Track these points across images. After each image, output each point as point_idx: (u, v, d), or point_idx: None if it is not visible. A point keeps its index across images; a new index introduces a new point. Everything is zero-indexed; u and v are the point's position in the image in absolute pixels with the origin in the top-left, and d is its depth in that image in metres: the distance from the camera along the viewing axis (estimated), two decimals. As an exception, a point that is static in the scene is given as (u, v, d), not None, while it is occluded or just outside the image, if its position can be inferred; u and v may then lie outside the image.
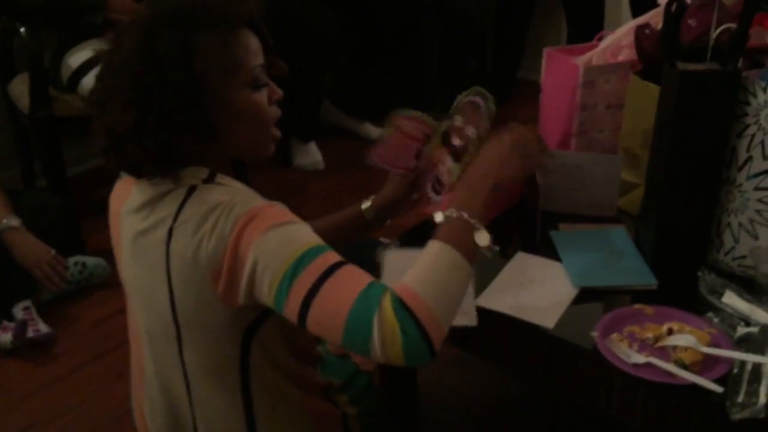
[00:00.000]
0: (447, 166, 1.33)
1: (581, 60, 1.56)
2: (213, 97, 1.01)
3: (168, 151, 1.01)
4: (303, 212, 1.11)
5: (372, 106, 3.14)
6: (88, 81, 2.17)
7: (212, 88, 1.01)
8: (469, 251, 1.03)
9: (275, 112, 1.10)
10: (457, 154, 1.35)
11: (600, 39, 1.63)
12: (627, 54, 1.54)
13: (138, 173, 1.04)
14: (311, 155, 2.86)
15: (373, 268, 1.36)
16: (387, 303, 0.94)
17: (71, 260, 2.13)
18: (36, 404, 1.79)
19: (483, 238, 1.05)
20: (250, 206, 1.00)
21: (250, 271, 0.98)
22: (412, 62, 3.13)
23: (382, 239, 1.68)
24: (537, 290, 1.26)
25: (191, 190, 1.03)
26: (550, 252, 1.37)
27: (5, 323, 1.93)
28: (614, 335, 1.15)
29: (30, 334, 1.92)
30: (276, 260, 0.97)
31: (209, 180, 1.05)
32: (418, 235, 1.47)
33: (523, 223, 1.49)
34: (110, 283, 2.15)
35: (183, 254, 1.01)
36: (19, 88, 2.31)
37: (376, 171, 2.20)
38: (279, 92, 1.09)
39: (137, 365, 1.20)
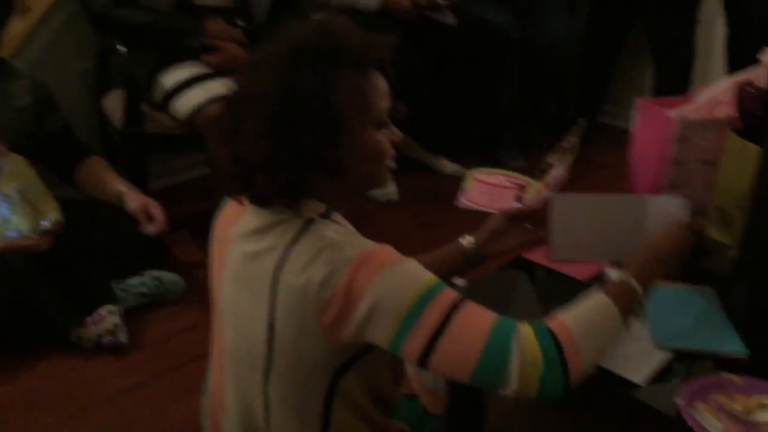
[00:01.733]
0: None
1: (676, 113, 1.52)
2: (347, 136, 1.04)
3: (296, 184, 1.03)
4: (374, 241, 1.12)
5: (450, 142, 3.14)
6: (180, 101, 2.23)
7: (347, 127, 1.03)
8: (627, 315, 1.07)
9: (393, 151, 1.12)
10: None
11: (690, 92, 1.59)
12: (725, 111, 1.49)
13: (262, 203, 1.07)
14: (387, 187, 2.87)
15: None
16: (527, 329, 0.99)
17: (148, 273, 2.18)
18: (105, 415, 1.82)
19: (641, 311, 1.11)
20: (363, 248, 1.03)
21: (366, 311, 0.99)
22: (491, 102, 3.13)
23: (454, 280, 1.67)
24: (628, 345, 1.23)
25: (308, 222, 1.05)
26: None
27: (87, 320, 1.98)
28: (700, 404, 1.10)
29: (105, 339, 1.96)
30: (396, 300, 0.99)
31: (326, 215, 1.07)
32: (498, 277, 1.47)
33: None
34: (182, 298, 2.19)
35: (291, 285, 1.03)
36: (113, 104, 2.40)
37: (449, 206, 2.20)
38: (399, 134, 1.12)
39: (216, 383, 1.21)
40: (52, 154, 2.14)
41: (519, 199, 1.42)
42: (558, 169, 1.41)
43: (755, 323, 1.25)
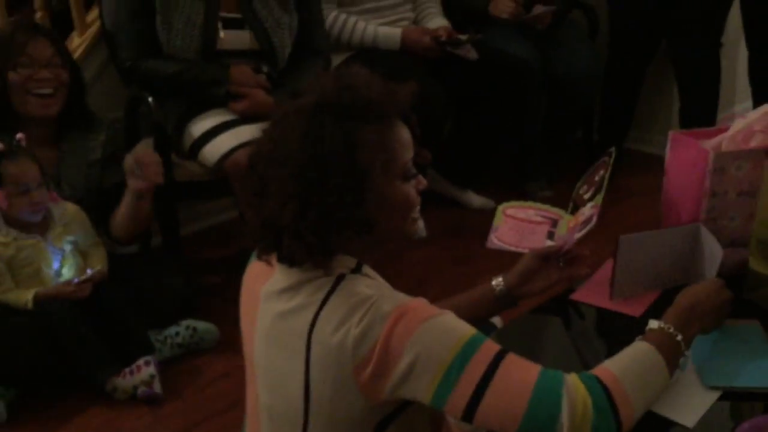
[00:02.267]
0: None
1: (710, 145, 1.51)
2: (373, 191, 1.02)
3: (325, 244, 1.02)
4: (403, 280, 1.11)
5: (476, 175, 3.13)
6: (209, 150, 2.25)
7: (373, 183, 1.02)
8: (671, 365, 1.06)
9: (419, 200, 1.11)
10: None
11: (723, 121, 1.57)
12: (761, 140, 1.47)
13: (291, 263, 1.05)
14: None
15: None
16: (575, 380, 0.97)
17: (183, 323, 2.18)
18: (144, 466, 1.82)
19: (685, 363, 1.12)
20: (399, 302, 1.01)
21: (406, 367, 0.97)
22: (516, 134, 3.12)
23: (494, 320, 1.65)
24: (675, 385, 1.20)
25: (339, 279, 1.04)
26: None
27: (124, 371, 1.98)
28: (756, 447, 1.07)
29: (140, 390, 1.96)
30: (437, 355, 0.97)
31: (356, 270, 1.06)
32: (537, 317, 1.45)
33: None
34: (215, 347, 2.19)
35: (326, 343, 1.01)
36: (143, 153, 2.42)
37: (478, 240, 2.18)
38: (424, 182, 1.11)
39: (252, 440, 1.19)
40: (104, 206, 2.17)
41: (551, 235, 1.40)
42: (590, 208, 1.39)
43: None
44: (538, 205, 1.37)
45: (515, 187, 3.19)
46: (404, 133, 1.07)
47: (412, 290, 1.11)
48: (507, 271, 1.34)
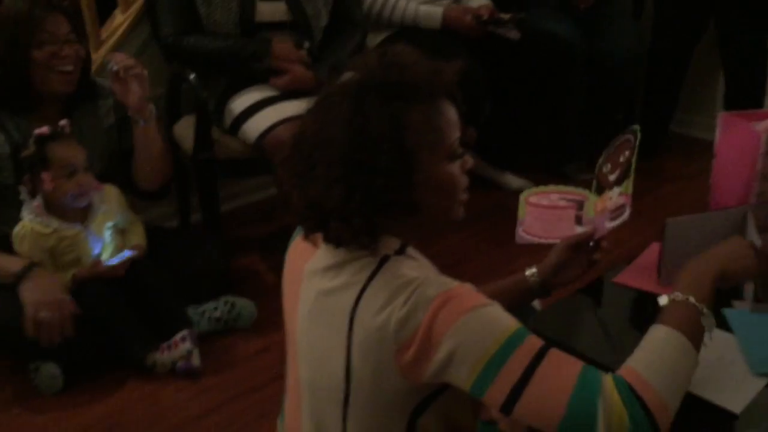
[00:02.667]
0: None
1: (762, 126, 1.47)
2: (420, 173, 1.01)
3: (371, 226, 1.01)
4: (441, 262, 1.10)
5: (515, 156, 3.10)
6: (249, 126, 2.26)
7: (420, 164, 1.01)
8: (696, 336, 1.01)
9: (466, 181, 1.09)
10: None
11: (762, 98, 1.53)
12: (815, 122, 1.44)
13: (337, 244, 1.05)
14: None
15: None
16: (611, 387, 0.93)
17: (222, 299, 2.20)
18: (184, 438, 1.85)
19: (709, 322, 1.03)
20: (445, 287, 0.99)
21: (447, 354, 0.97)
22: (556, 113, 3.08)
23: (535, 304, 1.64)
24: (718, 368, 1.18)
25: (383, 260, 1.03)
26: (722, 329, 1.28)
27: (162, 345, 2.01)
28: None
29: (178, 364, 2.00)
30: (479, 345, 0.96)
31: (401, 251, 1.05)
32: (577, 300, 1.43)
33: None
34: (253, 324, 2.20)
35: (369, 324, 1.01)
36: (184, 130, 2.44)
37: (516, 222, 2.13)
38: (471, 161, 1.09)
39: (293, 413, 1.20)
40: (127, 168, 2.18)
41: (578, 219, 1.36)
42: (618, 195, 1.35)
43: None
44: (560, 187, 1.33)
45: (554, 169, 3.16)
46: (451, 113, 1.06)
47: (449, 272, 1.10)
48: (540, 262, 1.33)
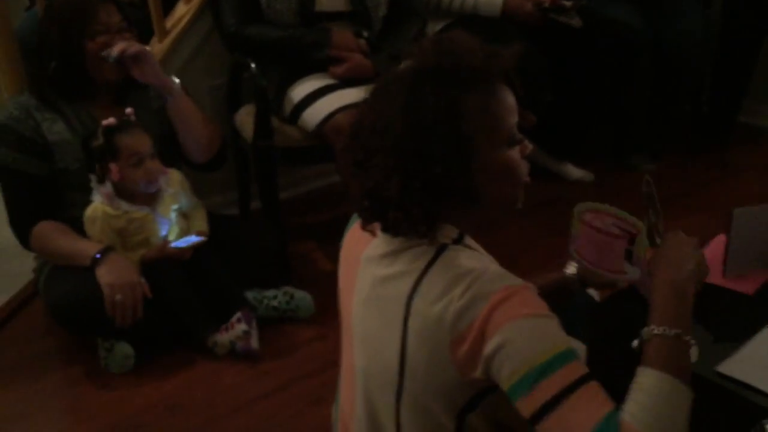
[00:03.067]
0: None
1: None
2: (478, 160, 1.00)
3: (430, 215, 1.01)
4: (498, 253, 1.09)
5: (575, 146, 3.05)
6: (309, 114, 2.28)
7: (478, 151, 1.00)
8: (686, 372, 0.97)
9: (527, 165, 1.08)
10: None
11: None
12: None
13: (396, 233, 1.05)
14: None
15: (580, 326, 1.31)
16: None
17: (282, 289, 2.24)
18: (242, 420, 1.88)
19: (695, 354, 0.99)
20: (505, 283, 0.98)
21: (491, 351, 0.96)
22: (620, 103, 3.01)
23: (591, 291, 1.61)
24: (758, 354, 1.14)
25: (441, 249, 1.03)
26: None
27: (223, 326, 2.05)
28: None
29: (239, 345, 2.03)
30: (524, 353, 0.95)
31: (458, 241, 1.04)
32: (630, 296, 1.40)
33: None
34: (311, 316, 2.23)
35: (425, 313, 1.00)
36: (244, 119, 2.48)
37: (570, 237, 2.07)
38: (530, 146, 1.07)
39: (347, 402, 1.21)
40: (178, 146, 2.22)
41: (629, 254, 1.31)
42: (645, 249, 1.30)
43: None
44: (615, 210, 1.28)
45: (616, 160, 3.09)
46: (508, 98, 1.05)
47: (507, 262, 1.09)
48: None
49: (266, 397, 1.94)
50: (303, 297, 2.23)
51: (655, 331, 1.00)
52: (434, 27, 2.69)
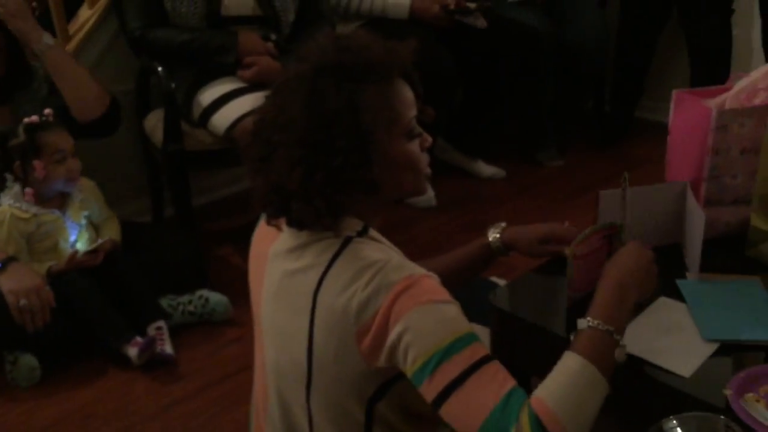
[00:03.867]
0: None
1: (713, 103, 1.51)
2: (378, 152, 1.03)
3: (332, 206, 1.03)
4: (414, 248, 1.13)
5: (486, 143, 3.14)
6: (218, 118, 2.28)
7: (377, 143, 1.03)
8: (609, 367, 1.01)
9: (426, 158, 1.12)
10: None
11: (728, 81, 1.57)
12: (764, 98, 1.47)
13: (301, 226, 1.07)
14: (425, 193, 2.87)
15: (486, 311, 1.36)
16: (525, 420, 0.93)
17: (197, 293, 2.22)
18: (159, 426, 1.86)
19: (621, 353, 1.04)
20: (407, 272, 1.01)
21: (394, 339, 0.99)
22: (526, 101, 3.11)
23: (495, 279, 1.66)
24: (674, 338, 1.21)
25: (346, 241, 1.05)
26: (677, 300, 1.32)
27: (137, 339, 2.03)
28: (749, 395, 1.08)
29: (157, 349, 2.02)
30: (426, 339, 0.98)
31: (363, 233, 1.07)
32: (540, 275, 1.46)
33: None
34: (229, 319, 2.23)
35: (331, 305, 1.03)
36: (154, 123, 2.45)
37: (489, 209, 2.13)
38: (429, 140, 1.12)
39: (260, 397, 1.22)
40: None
41: (609, 255, 1.37)
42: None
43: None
44: (598, 227, 1.33)
45: (526, 157, 3.20)
46: (406, 92, 1.08)
47: (421, 258, 1.12)
48: (508, 226, 1.40)
49: (182, 403, 1.93)
50: (219, 300, 2.22)
51: (590, 323, 1.03)
52: (343, 30, 2.72)
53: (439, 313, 0.99)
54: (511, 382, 0.97)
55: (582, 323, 1.04)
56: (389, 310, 0.99)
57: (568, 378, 0.98)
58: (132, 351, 2.00)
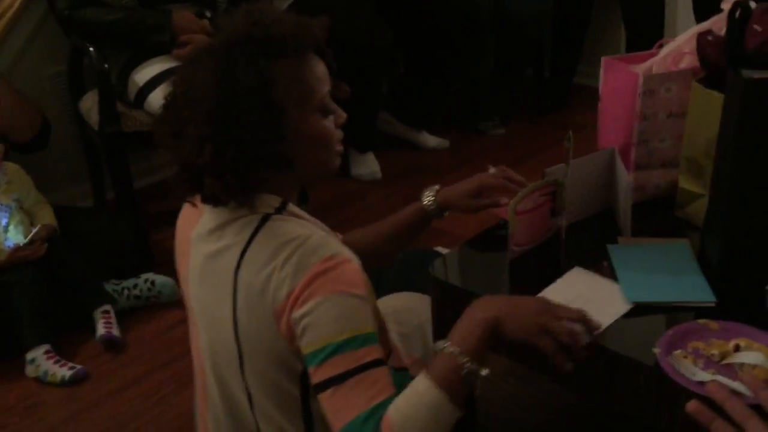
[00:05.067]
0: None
1: (641, 68, 1.53)
2: (290, 127, 1.02)
3: (245, 181, 1.02)
4: (360, 223, 1.13)
5: (429, 115, 3.15)
6: (154, 97, 2.24)
7: (289, 118, 1.02)
8: (458, 392, 1.00)
9: (340, 134, 1.12)
10: None
11: (660, 46, 1.60)
12: (689, 61, 1.50)
13: (215, 202, 1.06)
14: (369, 165, 2.88)
15: (427, 280, 1.37)
16: None
17: (142, 277, 2.20)
18: (107, 410, 1.85)
19: (470, 379, 1.00)
20: (327, 252, 1.01)
21: (296, 317, 1.00)
22: (467, 71, 3.12)
23: (439, 248, 1.68)
24: (589, 305, 1.24)
25: (264, 219, 1.05)
26: (607, 266, 1.34)
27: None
28: (677, 351, 1.12)
29: (101, 331, 1.99)
30: (324, 328, 0.99)
31: (281, 209, 1.06)
32: (479, 244, 1.48)
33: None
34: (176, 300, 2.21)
35: (251, 284, 1.03)
36: (89, 106, 2.40)
37: (434, 180, 2.14)
38: (344, 116, 1.11)
39: (200, 380, 1.23)
40: None
41: (553, 212, 1.38)
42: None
43: (727, 268, 1.27)
44: (540, 183, 1.35)
45: (469, 126, 3.22)
46: (319, 67, 1.07)
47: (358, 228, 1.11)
48: (441, 188, 1.39)
49: (130, 387, 1.92)
50: (164, 282, 2.20)
51: (449, 349, 1.01)
52: (280, 6, 2.69)
53: (346, 306, 1.00)
54: (386, 393, 0.99)
55: (440, 345, 1.02)
56: (303, 290, 0.99)
57: (417, 402, 0.98)
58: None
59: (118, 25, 2.22)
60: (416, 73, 3.04)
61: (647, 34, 2.96)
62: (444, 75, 3.06)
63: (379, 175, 2.88)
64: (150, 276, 2.21)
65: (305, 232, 1.03)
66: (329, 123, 1.09)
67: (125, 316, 2.14)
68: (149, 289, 2.19)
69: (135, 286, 2.18)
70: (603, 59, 1.58)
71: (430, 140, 3.08)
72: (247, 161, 1.01)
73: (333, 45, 1.12)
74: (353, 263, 1.04)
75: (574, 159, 1.40)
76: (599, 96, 1.61)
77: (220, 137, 1.00)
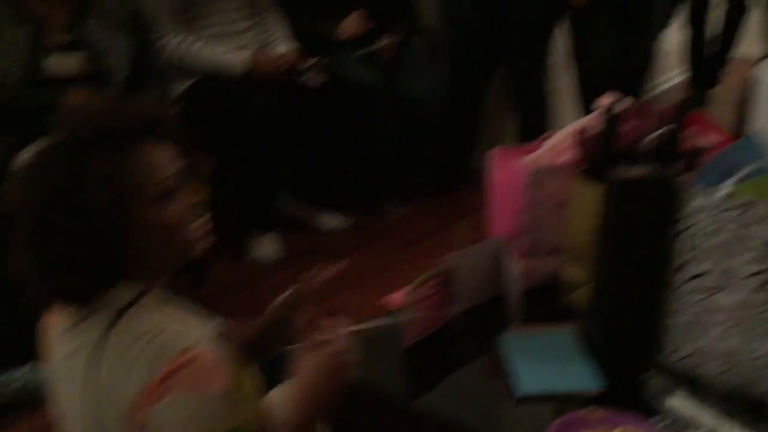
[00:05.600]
0: None
1: (527, 160, 1.60)
2: (117, 224, 0.96)
3: (77, 286, 0.98)
4: (257, 307, 1.09)
5: (330, 195, 3.17)
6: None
7: (111, 215, 0.95)
8: None
9: (195, 215, 1.05)
10: None
11: (544, 139, 1.68)
12: (570, 155, 1.58)
13: (60, 303, 1.02)
14: (269, 246, 2.86)
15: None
16: None
17: (30, 365, 2.07)
18: None
19: None
20: (181, 346, 0.96)
21: (147, 418, 0.95)
22: (367, 152, 3.18)
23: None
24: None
25: (119, 314, 0.99)
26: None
27: None
28: (565, 440, 1.14)
29: None
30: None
31: (136, 300, 1.01)
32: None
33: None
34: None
35: (100, 385, 0.99)
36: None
37: (337, 260, 2.10)
38: (201, 192, 1.06)
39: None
40: None
41: (444, 300, 1.43)
42: None
43: (609, 356, 1.31)
44: (431, 273, 1.39)
45: (370, 206, 3.25)
46: (152, 155, 0.99)
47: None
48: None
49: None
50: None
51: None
52: (178, 87, 2.68)
53: (199, 408, 0.94)
54: None
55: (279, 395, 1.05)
56: (152, 392, 0.94)
57: None
58: None
59: (6, 106, 2.15)
60: (316, 153, 3.07)
61: (534, 121, 3.14)
62: (344, 157, 3.11)
63: (278, 255, 2.85)
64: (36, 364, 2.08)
65: (160, 325, 0.98)
66: (176, 206, 1.01)
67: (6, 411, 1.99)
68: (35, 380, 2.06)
69: (20, 377, 2.05)
70: (491, 151, 1.65)
71: (331, 220, 3.09)
72: (65, 267, 0.96)
73: (229, 124, 1.09)
74: (211, 354, 0.98)
75: (465, 247, 1.44)
76: (489, 186, 1.67)
77: (38, 244, 0.96)
